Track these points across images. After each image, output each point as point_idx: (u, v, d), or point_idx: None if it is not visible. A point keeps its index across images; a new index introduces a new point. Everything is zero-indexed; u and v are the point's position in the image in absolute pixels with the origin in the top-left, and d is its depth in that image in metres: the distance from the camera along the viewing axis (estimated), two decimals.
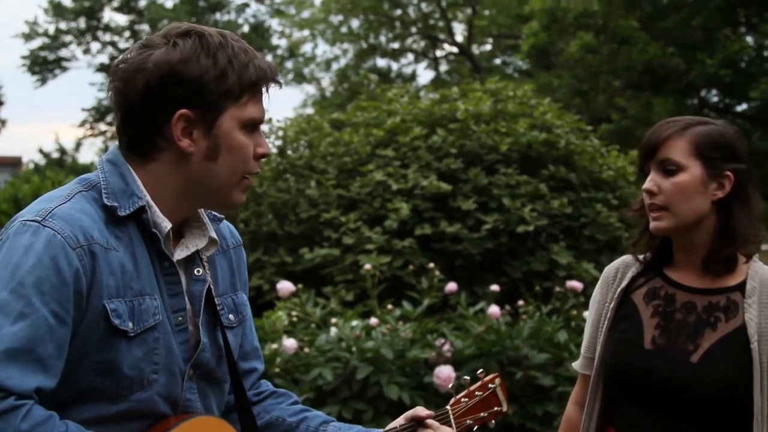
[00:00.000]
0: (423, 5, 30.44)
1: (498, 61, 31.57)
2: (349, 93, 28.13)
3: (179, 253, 1.92)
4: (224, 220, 2.08)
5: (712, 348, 2.29)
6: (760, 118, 21.63)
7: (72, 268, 1.71)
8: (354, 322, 5.90)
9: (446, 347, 5.86)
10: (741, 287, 2.34)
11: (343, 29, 30.10)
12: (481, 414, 2.19)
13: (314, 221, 7.73)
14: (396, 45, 31.36)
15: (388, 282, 6.83)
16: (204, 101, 1.82)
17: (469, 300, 6.55)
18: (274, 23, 35.26)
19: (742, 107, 22.11)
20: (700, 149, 2.31)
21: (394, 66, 31.71)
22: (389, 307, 6.13)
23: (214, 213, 2.04)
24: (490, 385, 2.21)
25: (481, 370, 2.26)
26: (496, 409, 2.21)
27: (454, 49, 31.70)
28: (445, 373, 5.59)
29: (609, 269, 2.55)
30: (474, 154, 7.71)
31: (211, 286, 1.96)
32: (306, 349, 5.63)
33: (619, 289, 2.45)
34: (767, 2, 21.09)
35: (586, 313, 6.59)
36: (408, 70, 32.06)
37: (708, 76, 19.54)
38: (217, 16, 32.05)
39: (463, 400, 2.17)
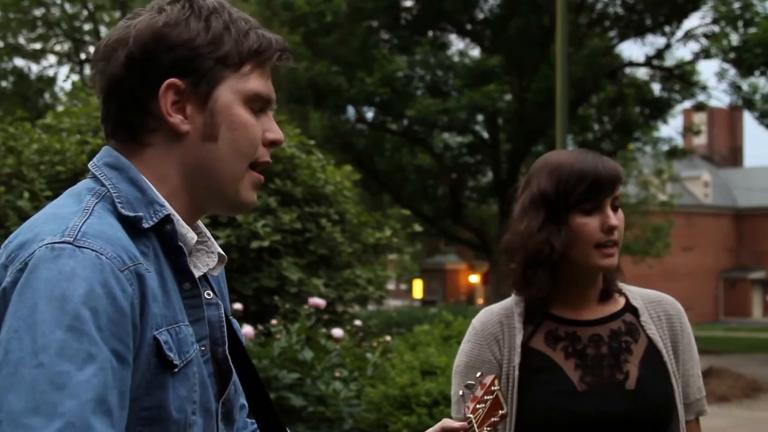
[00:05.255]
0: (68, 6, 29.02)
1: None
2: None
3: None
4: None
5: (640, 371, 2.31)
6: (410, 135, 22.93)
7: (127, 295, 1.39)
8: None
9: None
10: (628, 308, 2.39)
11: None
12: (492, 419, 2.04)
13: None
14: (38, 46, 29.61)
15: None
16: (196, 69, 1.53)
17: None
18: None
19: (393, 125, 23.29)
20: None
21: (35, 68, 29.99)
22: None
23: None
24: (492, 388, 2.06)
25: (479, 373, 2.09)
26: (500, 412, 2.06)
27: None
28: None
29: (488, 324, 2.38)
30: None
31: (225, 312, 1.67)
32: None
33: (518, 343, 2.33)
34: (419, 26, 22.39)
35: (335, 330, 6.65)
36: (50, 73, 30.44)
37: (367, 94, 20.37)
38: None
39: (478, 406, 2.01)
